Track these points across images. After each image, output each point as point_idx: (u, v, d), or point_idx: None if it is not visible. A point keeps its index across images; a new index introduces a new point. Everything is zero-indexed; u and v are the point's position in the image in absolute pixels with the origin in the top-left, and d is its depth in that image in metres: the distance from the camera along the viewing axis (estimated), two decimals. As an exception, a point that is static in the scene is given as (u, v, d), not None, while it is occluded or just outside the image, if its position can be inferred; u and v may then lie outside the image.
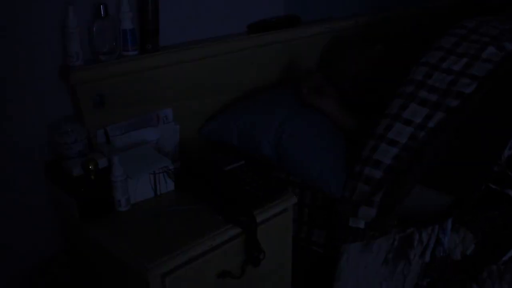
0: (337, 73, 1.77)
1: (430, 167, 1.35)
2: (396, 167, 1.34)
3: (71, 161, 1.33)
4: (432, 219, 1.35)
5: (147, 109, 1.50)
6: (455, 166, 1.39)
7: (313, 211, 1.52)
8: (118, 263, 1.21)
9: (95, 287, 1.42)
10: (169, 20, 1.54)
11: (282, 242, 1.42)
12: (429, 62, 1.47)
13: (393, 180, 1.34)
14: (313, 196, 1.51)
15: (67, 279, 1.48)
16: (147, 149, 1.44)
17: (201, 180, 1.39)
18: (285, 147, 1.48)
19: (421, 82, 1.43)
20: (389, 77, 1.60)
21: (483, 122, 1.42)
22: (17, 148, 1.37)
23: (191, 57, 1.55)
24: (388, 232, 1.39)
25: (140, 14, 1.44)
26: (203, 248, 1.20)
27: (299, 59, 1.87)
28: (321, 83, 1.63)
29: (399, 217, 1.38)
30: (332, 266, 1.44)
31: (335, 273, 1.44)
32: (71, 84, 1.34)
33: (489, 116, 1.43)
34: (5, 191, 1.38)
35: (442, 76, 1.43)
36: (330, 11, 2.03)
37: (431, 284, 1.33)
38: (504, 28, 1.54)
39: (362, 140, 1.43)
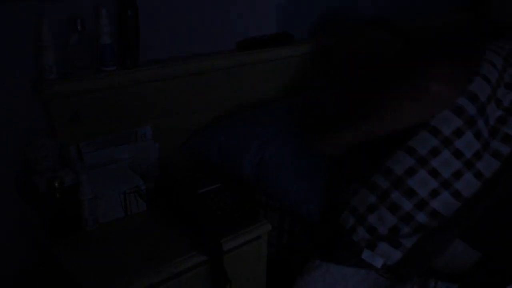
0: (346, 49, 1.62)
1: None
2: (429, 203, 1.19)
3: (39, 176, 1.31)
4: (456, 276, 1.23)
5: (125, 125, 1.46)
6: (492, 221, 1.23)
7: (291, 237, 1.46)
8: (76, 283, 1.16)
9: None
10: (156, 35, 1.51)
11: (255, 270, 1.37)
12: (491, 81, 1.24)
13: (433, 230, 1.18)
14: (291, 221, 1.45)
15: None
16: (120, 167, 1.40)
17: (173, 202, 1.35)
18: (265, 168, 1.43)
19: (483, 106, 1.21)
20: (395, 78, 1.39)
21: None
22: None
23: (173, 74, 1.51)
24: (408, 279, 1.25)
25: (119, 28, 1.41)
26: (165, 274, 1.16)
27: (289, 78, 1.82)
28: None
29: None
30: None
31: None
32: (44, 99, 1.32)
33: None
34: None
35: (494, 107, 1.24)
36: (330, 28, 1.98)
37: None
38: None
39: (384, 148, 1.26)
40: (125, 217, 1.34)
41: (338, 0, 1.99)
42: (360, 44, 1.54)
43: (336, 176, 1.39)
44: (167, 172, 1.51)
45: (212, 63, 1.60)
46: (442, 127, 1.20)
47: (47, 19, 1.27)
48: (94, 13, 1.36)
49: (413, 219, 1.19)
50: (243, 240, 1.29)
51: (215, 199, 1.35)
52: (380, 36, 1.54)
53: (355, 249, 1.22)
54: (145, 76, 1.46)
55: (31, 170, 1.33)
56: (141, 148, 1.48)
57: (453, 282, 1.21)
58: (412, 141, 1.21)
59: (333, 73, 1.67)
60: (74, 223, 1.27)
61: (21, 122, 1.36)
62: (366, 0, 2.08)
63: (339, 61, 1.61)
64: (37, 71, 1.32)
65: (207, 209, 1.30)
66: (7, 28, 1.26)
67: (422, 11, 2.33)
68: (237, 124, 1.57)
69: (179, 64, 1.53)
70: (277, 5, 1.82)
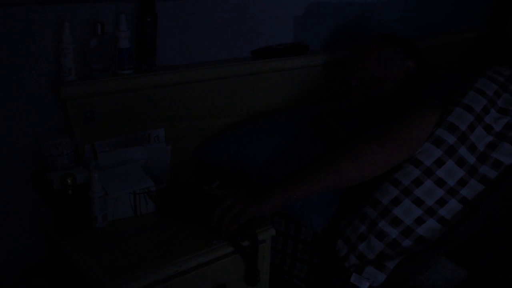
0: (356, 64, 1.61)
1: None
2: (415, 230, 1.25)
3: (54, 173, 1.35)
4: None
5: (138, 127, 1.51)
6: (478, 239, 1.26)
7: (296, 244, 1.48)
8: (83, 279, 1.21)
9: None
10: (171, 41, 1.56)
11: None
12: (473, 109, 1.28)
13: (416, 251, 1.23)
14: (296, 229, 1.47)
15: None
16: (134, 167, 1.44)
17: (183, 203, 1.37)
18: (271, 178, 1.46)
19: (464, 135, 1.26)
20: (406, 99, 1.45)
21: None
22: (7, 156, 1.40)
23: (187, 79, 1.56)
24: None
25: (137, 33, 1.46)
26: (167, 273, 1.19)
27: (302, 88, 1.84)
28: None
29: None
30: None
31: None
32: (62, 99, 1.37)
33: None
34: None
35: (482, 133, 1.28)
36: (346, 41, 2.00)
37: None
38: None
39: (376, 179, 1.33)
40: (134, 216, 1.38)
41: (355, 14, 2.01)
42: (372, 60, 1.56)
43: (338, 201, 1.43)
44: (178, 174, 1.55)
45: (226, 70, 1.64)
46: (423, 159, 1.26)
47: (68, 22, 1.33)
48: (114, 18, 1.41)
49: (399, 245, 1.25)
50: (247, 243, 1.31)
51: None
52: (392, 53, 1.56)
53: (346, 275, 1.28)
54: (160, 81, 1.51)
55: (47, 167, 1.39)
56: (154, 150, 1.52)
57: None
58: (397, 173, 1.28)
59: (341, 88, 1.69)
60: (84, 220, 1.32)
61: (40, 121, 1.41)
62: (383, 15, 2.10)
63: (348, 76, 1.62)
64: (57, 72, 1.38)
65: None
66: (29, 30, 1.32)
67: (439, 28, 2.34)
68: (247, 133, 1.60)
69: (193, 70, 1.57)
70: (295, 16, 1.85)
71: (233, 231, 1.24)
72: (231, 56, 1.71)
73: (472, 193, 1.24)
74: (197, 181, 1.43)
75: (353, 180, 1.29)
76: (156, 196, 1.39)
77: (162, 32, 1.50)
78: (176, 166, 1.60)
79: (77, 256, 1.23)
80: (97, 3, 1.39)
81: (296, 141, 1.56)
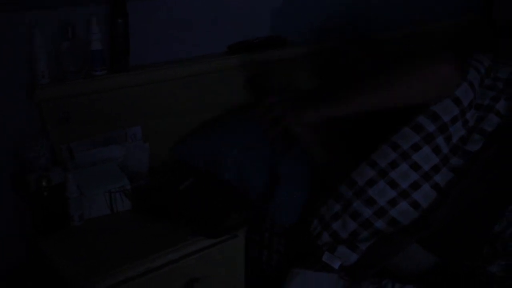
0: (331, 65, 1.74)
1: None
2: (388, 211, 1.27)
3: (32, 175, 1.39)
4: (412, 278, 1.29)
5: (115, 126, 1.54)
6: (452, 229, 1.28)
7: (271, 237, 1.51)
8: (59, 277, 1.25)
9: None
10: (145, 40, 1.58)
11: (233, 267, 1.43)
12: (462, 103, 1.26)
13: (388, 235, 1.26)
14: (271, 221, 1.50)
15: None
16: (110, 166, 1.48)
17: (166, 199, 1.41)
18: (245, 174, 1.50)
19: (445, 126, 1.26)
20: None
21: (484, 186, 1.29)
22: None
23: (161, 78, 1.58)
24: (362, 282, 1.31)
25: (110, 34, 1.48)
26: (140, 269, 1.23)
27: (281, 81, 1.86)
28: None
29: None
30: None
31: None
32: (37, 101, 1.40)
33: (489, 182, 1.29)
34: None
35: (459, 128, 1.28)
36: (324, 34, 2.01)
37: None
38: None
39: (354, 160, 1.34)
40: (111, 214, 1.42)
41: (336, 6, 2.02)
42: (341, 62, 1.67)
43: (313, 186, 1.46)
44: (155, 172, 1.58)
45: (201, 66, 1.66)
46: (401, 142, 1.27)
47: (40, 26, 1.35)
48: (85, 21, 1.43)
49: (372, 225, 1.27)
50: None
51: (196, 197, 1.42)
52: (355, 53, 1.67)
53: (319, 253, 1.30)
54: (134, 80, 1.53)
55: (26, 168, 1.42)
56: (131, 148, 1.55)
57: (410, 283, 1.25)
58: (375, 154, 1.29)
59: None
60: (61, 220, 1.35)
61: (17, 124, 1.44)
62: (367, 4, 2.11)
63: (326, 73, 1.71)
64: (31, 75, 1.40)
65: (187, 207, 1.37)
66: (3, 35, 1.35)
67: (429, 15, 2.34)
68: (219, 132, 1.63)
69: (167, 68, 1.59)
70: (271, 9, 1.86)
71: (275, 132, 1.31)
72: (207, 52, 1.73)
73: (443, 181, 1.26)
74: (171, 179, 1.46)
75: (414, 99, 1.25)
76: (132, 194, 1.42)
77: (136, 31, 1.52)
78: (154, 164, 1.62)
79: (54, 255, 1.28)
80: (68, 7, 1.41)
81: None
